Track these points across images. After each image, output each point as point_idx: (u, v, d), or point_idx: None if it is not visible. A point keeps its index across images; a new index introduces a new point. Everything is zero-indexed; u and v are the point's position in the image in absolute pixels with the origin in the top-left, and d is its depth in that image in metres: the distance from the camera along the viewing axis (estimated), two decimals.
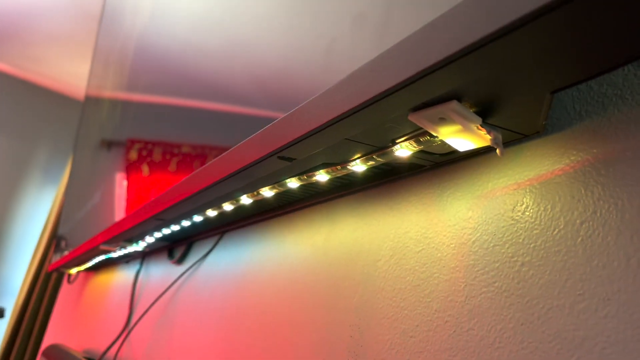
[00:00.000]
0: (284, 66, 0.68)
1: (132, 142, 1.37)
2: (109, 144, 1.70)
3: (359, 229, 0.63)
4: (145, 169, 1.23)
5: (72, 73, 3.88)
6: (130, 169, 1.34)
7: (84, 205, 1.84)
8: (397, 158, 0.50)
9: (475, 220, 0.47)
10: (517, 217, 0.44)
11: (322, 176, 0.59)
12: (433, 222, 0.52)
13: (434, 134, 0.42)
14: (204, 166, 0.67)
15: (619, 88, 0.39)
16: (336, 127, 0.45)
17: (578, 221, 0.39)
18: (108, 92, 1.85)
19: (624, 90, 0.39)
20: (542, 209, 0.42)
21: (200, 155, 0.93)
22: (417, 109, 0.41)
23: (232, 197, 0.74)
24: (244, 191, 0.70)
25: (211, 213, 0.85)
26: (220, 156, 0.63)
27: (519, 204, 0.44)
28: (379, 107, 0.41)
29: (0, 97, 4.07)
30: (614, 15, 0.27)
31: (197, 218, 0.89)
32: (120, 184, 1.40)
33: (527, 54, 0.32)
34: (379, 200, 0.61)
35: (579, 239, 0.39)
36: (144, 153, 1.27)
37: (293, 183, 0.63)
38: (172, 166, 1.05)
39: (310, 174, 0.60)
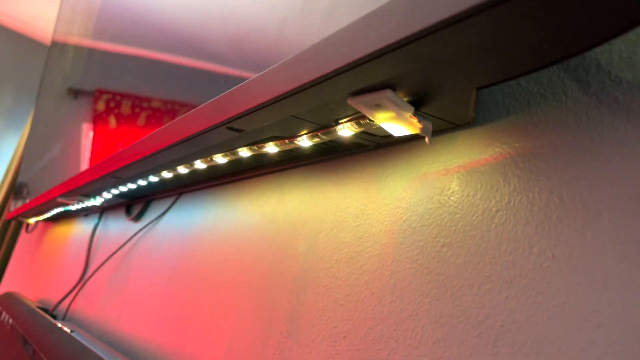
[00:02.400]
0: (260, 26, 0.67)
1: (100, 92, 1.35)
2: (76, 93, 1.67)
3: (305, 202, 0.65)
4: (112, 121, 1.22)
5: (40, 16, 3.74)
6: (97, 120, 1.32)
7: (47, 154, 1.82)
8: (341, 137, 0.52)
9: (408, 201, 0.50)
10: (443, 201, 0.47)
11: (271, 148, 0.61)
12: (371, 200, 0.55)
13: (371, 119, 0.45)
14: (158, 129, 0.68)
15: (543, 87, 0.42)
16: (281, 103, 0.47)
17: (494, 209, 0.42)
18: (77, 39, 1.80)
19: (547, 89, 0.42)
20: (465, 195, 0.45)
21: (170, 111, 0.93)
22: (355, 94, 0.43)
23: (187, 161, 0.75)
24: (198, 156, 0.71)
25: (167, 175, 0.86)
26: (173, 121, 0.64)
27: (446, 189, 0.47)
28: (320, 89, 0.43)
29: None
30: (532, 22, 0.30)
31: (153, 178, 0.90)
32: (86, 134, 1.38)
33: (450, 53, 0.34)
34: (325, 175, 0.63)
35: (493, 226, 0.42)
36: (112, 104, 1.25)
37: (244, 152, 0.65)
38: (141, 120, 1.04)
39: (261, 145, 0.61)
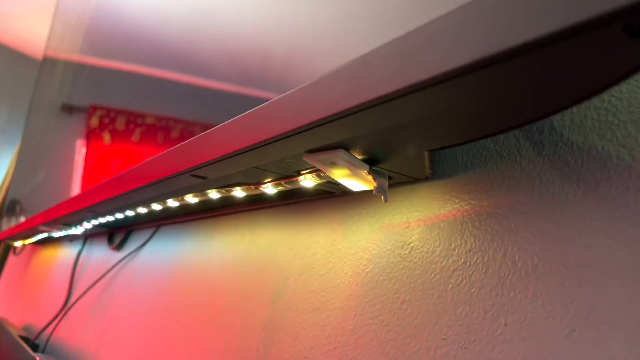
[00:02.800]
0: (257, 41, 0.66)
1: (94, 108, 1.34)
2: (70, 109, 1.67)
3: (276, 243, 0.65)
4: (106, 136, 1.21)
5: (34, 32, 3.75)
6: (91, 135, 1.32)
7: (39, 170, 1.80)
8: (303, 187, 0.52)
9: (371, 252, 0.50)
10: (404, 255, 0.46)
11: (238, 192, 0.60)
12: (337, 248, 0.54)
13: (328, 175, 0.44)
14: (126, 170, 0.68)
15: (500, 145, 0.42)
16: (242, 156, 0.47)
17: (451, 268, 0.42)
18: (70, 55, 1.79)
19: (503, 147, 0.41)
20: (424, 251, 0.44)
21: (165, 127, 0.91)
22: (311, 151, 0.42)
23: (159, 199, 0.75)
24: (170, 196, 0.71)
25: (142, 210, 0.85)
26: (140, 164, 0.64)
27: (407, 243, 0.46)
28: (277, 146, 0.42)
29: None
30: (473, 99, 0.29)
31: (130, 213, 0.90)
32: (79, 150, 1.37)
33: (394, 123, 0.33)
34: (294, 217, 0.63)
35: (450, 286, 0.41)
36: (106, 120, 1.24)
37: (214, 194, 0.65)
38: (135, 136, 1.04)
39: (228, 189, 0.61)
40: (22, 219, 1.85)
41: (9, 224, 2.04)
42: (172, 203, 0.75)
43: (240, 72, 0.68)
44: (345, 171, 0.42)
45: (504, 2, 0.24)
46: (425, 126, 0.34)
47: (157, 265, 0.97)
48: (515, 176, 0.40)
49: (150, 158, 0.61)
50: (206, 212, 0.81)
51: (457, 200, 0.43)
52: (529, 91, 0.28)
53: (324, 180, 0.49)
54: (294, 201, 0.63)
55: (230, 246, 0.75)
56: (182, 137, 0.83)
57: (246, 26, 0.68)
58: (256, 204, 0.68)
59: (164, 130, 0.92)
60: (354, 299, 0.50)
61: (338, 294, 0.52)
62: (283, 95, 0.41)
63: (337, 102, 0.33)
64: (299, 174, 0.50)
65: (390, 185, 0.49)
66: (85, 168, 1.27)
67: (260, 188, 0.56)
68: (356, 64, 0.33)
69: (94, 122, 1.31)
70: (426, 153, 0.40)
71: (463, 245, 0.41)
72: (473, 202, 0.42)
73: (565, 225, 0.35)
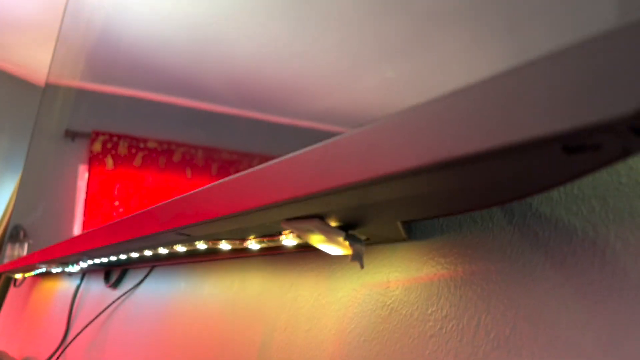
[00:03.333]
0: (257, 65, 0.66)
1: (97, 133, 1.35)
2: (73, 135, 1.68)
3: (264, 293, 0.65)
4: (109, 161, 1.22)
5: (36, 60, 3.79)
6: (94, 160, 1.32)
7: (43, 196, 1.81)
8: (285, 245, 0.52)
9: (354, 310, 0.50)
10: (384, 316, 0.47)
11: (224, 245, 0.61)
12: (321, 303, 0.55)
13: (305, 240, 0.45)
14: (116, 221, 0.69)
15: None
16: (223, 222, 0.47)
17: (429, 334, 0.42)
18: (72, 81, 1.80)
19: (476, 214, 0.42)
20: (403, 314, 0.45)
21: (167, 151, 0.92)
22: (288, 219, 0.43)
23: (150, 248, 0.75)
24: (159, 246, 0.72)
25: (134, 254, 0.86)
26: (128, 216, 0.65)
27: (387, 304, 0.47)
28: (255, 216, 0.43)
29: None
30: (437, 188, 0.30)
31: (122, 256, 0.90)
32: (82, 175, 1.38)
33: (363, 204, 0.34)
34: (282, 268, 0.63)
35: (427, 352, 0.42)
36: (109, 145, 1.25)
37: (201, 245, 0.65)
38: (138, 161, 1.04)
39: (215, 241, 0.62)
40: (26, 245, 1.86)
41: (13, 250, 2.05)
42: (162, 250, 0.76)
43: (240, 95, 0.68)
44: (321, 237, 0.43)
45: (459, 111, 0.24)
46: (395, 205, 0.35)
47: (152, 306, 0.98)
48: (488, 243, 0.40)
49: (138, 212, 0.62)
50: (198, 257, 0.81)
51: (433, 264, 0.44)
52: (487, 187, 0.28)
53: (303, 241, 0.49)
54: (280, 252, 0.63)
55: (220, 292, 0.75)
56: (184, 161, 0.83)
57: (246, 50, 0.67)
58: (245, 252, 0.69)
59: (165, 154, 0.92)
60: (336, 359, 0.50)
61: (321, 351, 0.52)
62: (261, 167, 0.41)
63: (308, 184, 0.34)
64: (281, 234, 0.51)
65: (369, 244, 0.49)
66: (88, 193, 1.28)
67: (244, 244, 0.57)
68: (326, 148, 0.33)
69: (97, 147, 1.32)
70: (399, 222, 0.41)
71: (439, 310, 0.42)
72: (449, 267, 0.43)
73: (536, 298, 0.36)
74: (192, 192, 0.52)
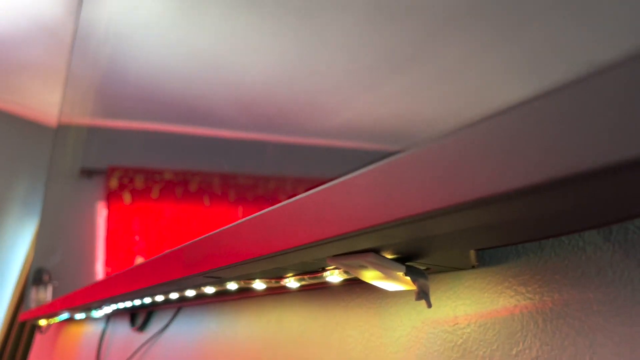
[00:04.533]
0: (267, 88, 0.62)
1: (113, 169, 1.32)
2: (89, 173, 1.65)
3: (305, 333, 0.59)
4: (126, 196, 1.18)
5: (48, 102, 3.80)
6: (111, 197, 1.29)
7: (64, 236, 1.78)
8: (330, 282, 0.46)
9: (416, 353, 0.43)
10: (456, 359, 0.40)
11: (258, 284, 0.55)
12: (375, 345, 0.48)
13: (356, 276, 0.38)
14: (136, 266, 0.63)
15: None
16: (256, 263, 0.41)
17: None
18: (83, 119, 1.79)
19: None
20: (480, 354, 0.38)
21: (183, 181, 0.89)
22: (336, 255, 0.37)
23: (177, 291, 0.69)
24: (185, 289, 0.66)
25: (159, 298, 0.80)
26: (150, 260, 0.59)
27: (457, 344, 0.40)
28: (295, 255, 0.37)
29: None
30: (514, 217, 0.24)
31: (147, 300, 0.84)
32: (100, 212, 1.35)
33: (434, 234, 0.28)
34: (324, 304, 0.57)
35: None
36: (125, 181, 1.22)
37: (232, 285, 0.59)
38: (155, 193, 1.00)
39: (247, 281, 0.55)
40: (50, 288, 1.81)
41: (38, 293, 2.01)
42: (190, 292, 0.69)
43: (252, 118, 0.65)
44: (377, 273, 0.36)
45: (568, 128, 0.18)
46: (468, 235, 0.28)
47: (182, 349, 0.91)
48: (580, 266, 0.33)
49: (161, 255, 0.56)
50: (228, 295, 0.75)
51: (511, 293, 0.37)
52: (586, 209, 0.22)
53: (351, 276, 0.43)
54: (322, 286, 0.57)
55: (256, 333, 0.69)
56: (201, 189, 0.79)
57: (255, 73, 0.64)
58: (282, 289, 0.62)
59: (182, 184, 0.88)
60: None
61: None
62: (301, 196, 0.35)
63: (362, 216, 0.28)
64: (324, 270, 0.44)
65: (430, 273, 0.43)
66: (108, 229, 1.24)
67: (282, 282, 0.50)
68: (384, 170, 0.27)
69: (113, 183, 1.29)
70: (472, 251, 0.34)
71: (527, 351, 0.35)
72: (532, 297, 0.36)
73: None
74: (220, 229, 0.46)
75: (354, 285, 0.53)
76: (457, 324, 0.40)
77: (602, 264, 0.32)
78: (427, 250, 0.33)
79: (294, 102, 0.55)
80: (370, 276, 0.37)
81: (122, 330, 1.27)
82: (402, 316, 0.46)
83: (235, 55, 0.71)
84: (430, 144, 0.24)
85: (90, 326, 1.60)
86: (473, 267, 0.39)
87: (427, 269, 0.40)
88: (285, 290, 0.61)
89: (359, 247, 0.34)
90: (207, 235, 0.48)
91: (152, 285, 0.60)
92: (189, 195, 0.82)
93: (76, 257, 1.47)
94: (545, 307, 0.35)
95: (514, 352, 0.36)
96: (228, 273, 0.48)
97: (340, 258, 0.36)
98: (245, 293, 0.70)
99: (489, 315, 0.38)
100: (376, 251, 0.35)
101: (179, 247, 0.53)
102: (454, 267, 0.39)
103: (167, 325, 1.00)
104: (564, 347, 0.33)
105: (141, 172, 1.13)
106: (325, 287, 0.56)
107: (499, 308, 0.38)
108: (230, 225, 0.44)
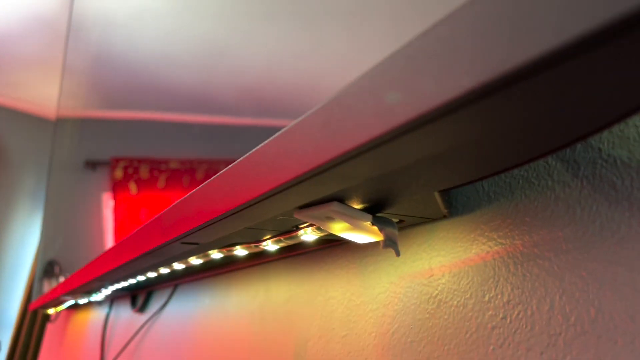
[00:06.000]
0: (267, 72, 0.62)
1: (117, 160, 1.32)
2: (93, 165, 1.65)
3: (292, 299, 0.58)
4: (132, 186, 1.18)
5: (47, 94, 3.81)
6: (117, 187, 1.29)
7: (72, 228, 1.78)
8: (306, 240, 0.45)
9: (394, 308, 0.43)
10: (431, 311, 0.39)
11: (240, 251, 0.54)
12: (356, 304, 0.47)
13: (327, 231, 0.38)
14: (119, 242, 0.63)
15: (525, 169, 0.34)
16: (228, 220, 0.41)
17: (489, 326, 0.34)
18: (84, 111, 1.79)
19: (529, 171, 0.34)
20: (455, 304, 0.37)
21: (189, 170, 0.88)
22: (302, 207, 0.36)
23: (163, 264, 0.69)
24: (171, 261, 0.65)
25: (152, 274, 0.80)
26: (131, 234, 0.58)
27: (433, 296, 0.39)
28: (261, 207, 0.36)
29: None
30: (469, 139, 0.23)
31: (141, 277, 0.84)
32: (107, 203, 1.35)
33: (390, 169, 0.27)
34: (308, 269, 0.56)
35: (491, 347, 0.34)
36: (130, 171, 1.22)
37: (216, 254, 0.59)
38: (161, 183, 1.00)
39: (229, 248, 0.55)
40: (62, 280, 1.83)
41: (50, 286, 2.03)
42: (178, 266, 0.69)
43: (255, 104, 0.64)
44: (344, 224, 0.36)
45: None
46: (427, 168, 0.27)
47: (180, 325, 0.92)
48: (549, 206, 0.32)
49: (138, 228, 0.56)
50: (218, 269, 0.75)
51: (484, 240, 0.36)
52: (547, 119, 0.21)
53: (325, 234, 0.42)
54: (304, 251, 0.56)
55: (246, 303, 0.68)
56: (207, 177, 0.80)
57: (256, 58, 0.63)
58: (265, 257, 0.62)
59: (188, 173, 0.88)
60: None
61: (364, 359, 0.45)
62: (253, 150, 0.35)
63: (315, 155, 0.27)
64: (298, 229, 0.44)
65: (402, 228, 0.42)
66: (115, 220, 1.24)
67: (261, 246, 0.50)
68: (330, 107, 0.26)
69: (118, 174, 1.28)
70: (437, 193, 0.33)
71: (499, 296, 0.34)
72: (504, 241, 0.35)
73: (625, 264, 0.28)
74: (191, 192, 0.45)
75: (333, 248, 0.52)
76: (432, 275, 0.40)
77: (571, 201, 0.31)
78: (390, 195, 0.33)
79: (296, 86, 0.55)
80: (339, 228, 0.36)
81: (124, 312, 1.27)
82: (381, 273, 0.45)
83: (236, 41, 0.70)
84: (368, 72, 0.23)
85: (95, 312, 1.62)
86: (445, 216, 0.39)
87: (400, 221, 0.40)
88: (268, 258, 0.61)
89: (321, 195, 0.33)
90: (180, 199, 0.47)
91: (137, 257, 0.60)
92: (196, 184, 0.82)
93: (85, 248, 1.48)
94: (516, 251, 0.34)
95: (486, 298, 0.35)
96: (204, 237, 0.47)
97: (307, 210, 0.35)
98: (232, 265, 0.70)
99: (462, 265, 0.37)
100: (340, 200, 0.34)
101: (155, 216, 0.53)
102: (425, 216, 0.39)
103: (164, 305, 1.00)
104: (534, 289, 0.32)
105: (146, 162, 1.13)
106: (306, 251, 0.55)
107: (472, 256, 0.37)
108: (200, 186, 0.43)
